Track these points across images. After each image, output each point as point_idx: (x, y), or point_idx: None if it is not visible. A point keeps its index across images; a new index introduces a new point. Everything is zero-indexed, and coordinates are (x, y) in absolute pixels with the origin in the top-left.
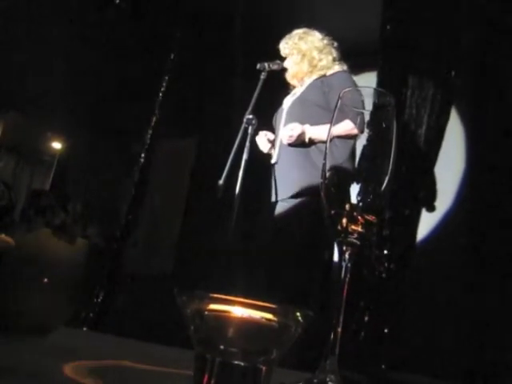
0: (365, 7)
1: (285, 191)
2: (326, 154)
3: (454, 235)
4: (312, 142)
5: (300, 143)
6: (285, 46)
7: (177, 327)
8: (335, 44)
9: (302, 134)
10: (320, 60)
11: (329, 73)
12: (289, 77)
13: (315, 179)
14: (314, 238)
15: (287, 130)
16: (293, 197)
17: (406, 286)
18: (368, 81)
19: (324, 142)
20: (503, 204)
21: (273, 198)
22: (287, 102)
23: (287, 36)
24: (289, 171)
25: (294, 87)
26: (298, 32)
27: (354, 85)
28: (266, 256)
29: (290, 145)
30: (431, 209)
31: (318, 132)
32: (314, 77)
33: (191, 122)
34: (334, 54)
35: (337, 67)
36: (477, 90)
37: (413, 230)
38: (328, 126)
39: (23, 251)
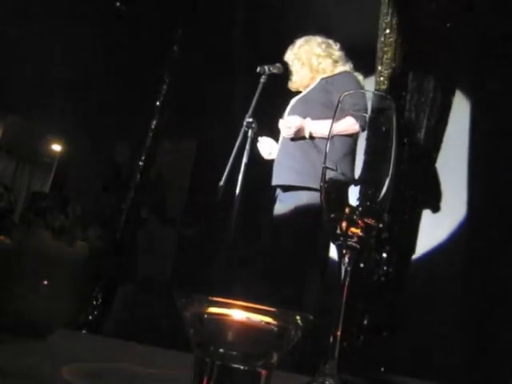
0: (363, 11)
1: (277, 178)
2: (325, 156)
3: (456, 243)
4: (311, 137)
5: (300, 137)
6: (287, 58)
7: (176, 330)
8: (337, 46)
9: (301, 129)
10: (319, 64)
11: (332, 73)
12: (294, 86)
13: (306, 173)
14: (308, 232)
15: (286, 122)
16: (285, 188)
17: (405, 289)
18: (366, 84)
19: (323, 138)
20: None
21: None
22: (292, 101)
23: (290, 47)
24: (283, 162)
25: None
26: (299, 41)
27: (358, 86)
28: (265, 255)
29: (291, 139)
30: (435, 209)
31: (318, 127)
32: (318, 80)
33: (191, 125)
34: (335, 55)
35: (340, 68)
36: (477, 92)
37: (412, 233)
38: (329, 121)
39: (22, 253)
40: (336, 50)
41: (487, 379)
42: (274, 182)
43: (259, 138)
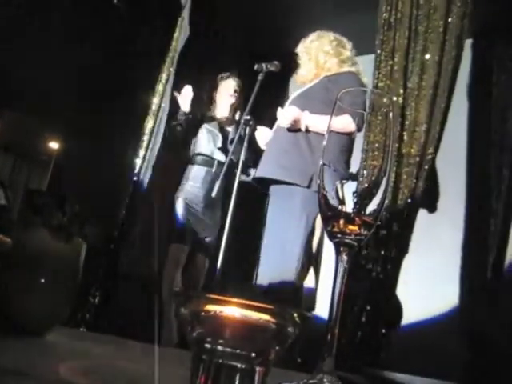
0: (363, 9)
1: (264, 170)
2: (323, 153)
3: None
4: (307, 131)
5: (295, 130)
6: (298, 50)
7: (173, 327)
8: (350, 45)
9: (298, 120)
10: (325, 62)
11: (337, 72)
12: (300, 79)
13: (299, 166)
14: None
15: (284, 111)
16: (272, 181)
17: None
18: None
19: (319, 134)
20: None
21: (253, 174)
22: (293, 95)
23: (302, 40)
24: (276, 153)
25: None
26: (312, 35)
27: (360, 86)
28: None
29: (288, 129)
30: (432, 209)
31: (315, 121)
32: (321, 77)
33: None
34: (344, 55)
35: (346, 68)
36: (476, 90)
37: (409, 230)
38: (327, 117)
39: (20, 251)
40: (346, 50)
41: (485, 377)
42: (259, 173)
43: (257, 127)
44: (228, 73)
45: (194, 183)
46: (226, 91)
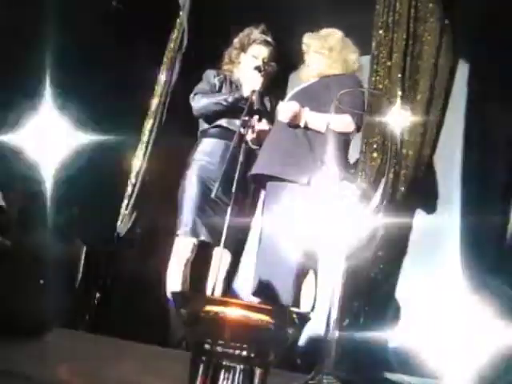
0: (359, 11)
1: (261, 166)
2: (324, 151)
3: None
4: (306, 127)
5: (295, 125)
6: (306, 43)
7: (173, 329)
8: (353, 48)
9: (297, 116)
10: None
11: (343, 73)
12: (310, 73)
13: (297, 163)
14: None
15: (284, 105)
16: (270, 178)
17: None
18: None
19: (318, 132)
20: None
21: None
22: (293, 91)
23: (309, 34)
24: (273, 150)
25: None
26: (321, 32)
27: (361, 88)
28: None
29: (288, 125)
30: (432, 212)
31: (315, 118)
32: (323, 76)
33: (189, 123)
34: (352, 56)
35: (351, 70)
36: (477, 91)
37: (407, 232)
38: (327, 115)
39: (20, 253)
40: (352, 52)
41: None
42: (256, 170)
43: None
44: (262, 37)
45: (210, 159)
46: (256, 58)
